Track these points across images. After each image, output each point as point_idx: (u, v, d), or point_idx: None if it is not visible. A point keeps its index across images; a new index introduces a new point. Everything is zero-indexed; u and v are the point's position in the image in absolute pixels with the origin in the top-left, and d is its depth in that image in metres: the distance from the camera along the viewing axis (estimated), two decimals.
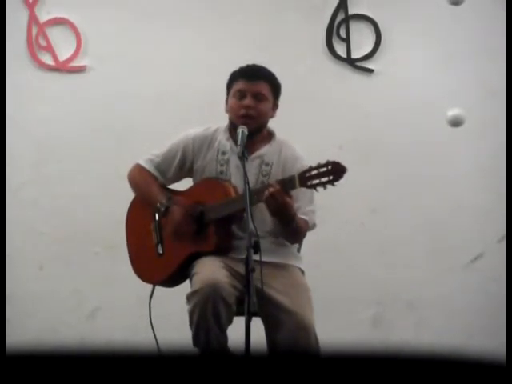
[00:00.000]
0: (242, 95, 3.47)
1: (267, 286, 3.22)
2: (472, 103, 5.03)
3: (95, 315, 4.93)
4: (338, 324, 4.73)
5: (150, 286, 3.58)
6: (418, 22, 5.10)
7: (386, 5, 5.10)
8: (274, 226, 3.42)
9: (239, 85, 3.49)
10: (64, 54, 5.02)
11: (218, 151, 3.52)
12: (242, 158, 3.26)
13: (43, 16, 5.02)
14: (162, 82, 5.01)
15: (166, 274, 3.52)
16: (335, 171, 3.13)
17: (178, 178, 3.62)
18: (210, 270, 3.30)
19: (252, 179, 3.38)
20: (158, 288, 3.59)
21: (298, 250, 3.63)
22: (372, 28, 5.11)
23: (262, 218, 3.35)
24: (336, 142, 4.93)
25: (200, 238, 3.44)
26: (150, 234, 3.56)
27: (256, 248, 2.98)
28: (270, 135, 3.56)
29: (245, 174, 3.21)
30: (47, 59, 5.01)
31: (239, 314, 3.22)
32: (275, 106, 3.55)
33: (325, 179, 3.14)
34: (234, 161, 3.46)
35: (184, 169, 3.59)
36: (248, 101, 3.45)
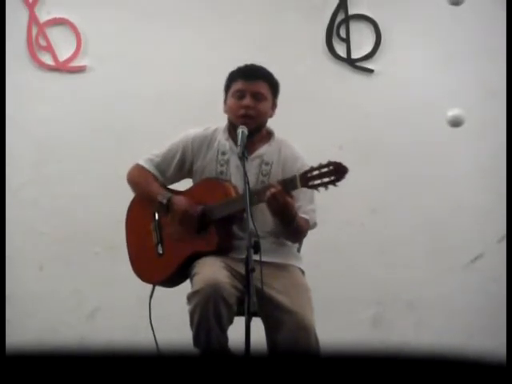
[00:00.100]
0: (241, 95, 3.47)
1: (267, 286, 3.22)
2: (472, 103, 5.02)
3: (95, 315, 4.93)
4: (338, 324, 4.73)
5: (150, 286, 3.58)
6: (418, 22, 5.10)
7: (386, 5, 5.10)
8: (275, 225, 3.42)
9: (238, 85, 3.49)
10: (64, 54, 5.02)
11: (217, 151, 3.52)
12: (243, 158, 3.26)
13: (43, 16, 5.02)
14: (161, 82, 5.01)
15: (166, 274, 3.52)
16: (337, 172, 3.13)
17: (177, 178, 3.62)
18: (211, 270, 3.30)
19: (252, 179, 3.38)
20: (158, 288, 3.59)
21: (298, 250, 3.63)
22: (372, 28, 5.11)
23: (262, 219, 3.35)
24: (336, 142, 4.93)
25: (201, 237, 3.44)
26: (149, 233, 3.56)
27: (256, 248, 2.99)
28: (269, 135, 3.56)
29: (245, 174, 3.21)
30: (47, 59, 5.01)
31: (239, 314, 3.22)
32: (274, 106, 3.55)
33: (326, 180, 3.15)
34: (234, 161, 3.46)
35: (183, 169, 3.58)
36: (247, 101, 3.45)
